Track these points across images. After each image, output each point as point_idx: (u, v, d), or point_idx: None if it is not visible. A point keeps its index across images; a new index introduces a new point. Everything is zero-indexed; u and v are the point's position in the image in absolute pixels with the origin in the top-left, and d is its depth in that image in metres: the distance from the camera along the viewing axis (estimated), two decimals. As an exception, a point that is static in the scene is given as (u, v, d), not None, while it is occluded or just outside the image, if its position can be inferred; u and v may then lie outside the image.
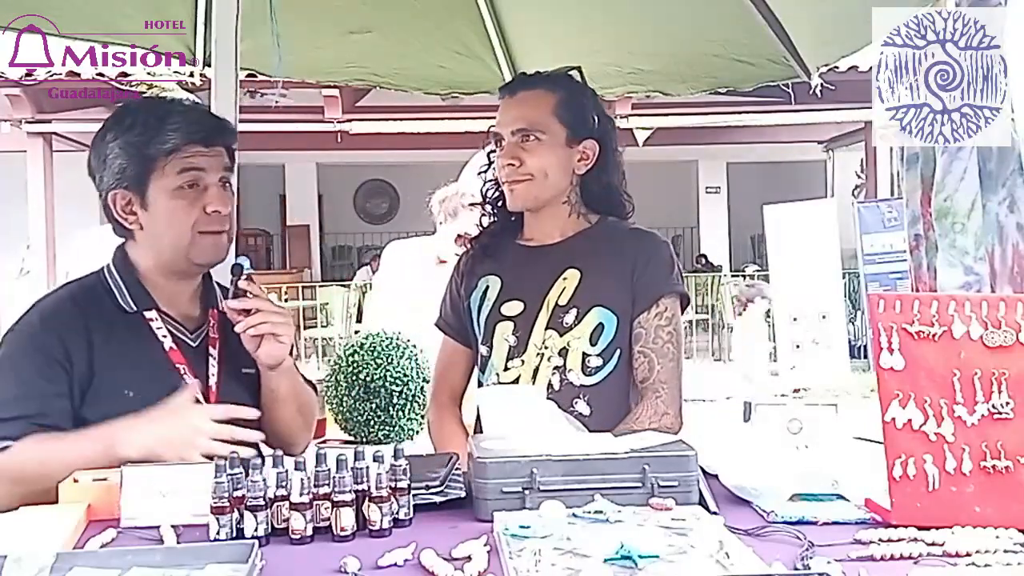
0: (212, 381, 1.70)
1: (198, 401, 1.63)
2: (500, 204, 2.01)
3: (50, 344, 1.61)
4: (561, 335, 1.87)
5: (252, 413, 1.64)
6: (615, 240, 1.94)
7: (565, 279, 1.89)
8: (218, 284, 1.81)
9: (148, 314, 1.69)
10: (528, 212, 1.94)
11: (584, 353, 1.86)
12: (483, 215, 2.06)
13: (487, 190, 2.03)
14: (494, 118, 1.95)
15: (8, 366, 1.63)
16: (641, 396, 1.87)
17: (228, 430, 1.57)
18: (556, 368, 1.86)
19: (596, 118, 1.93)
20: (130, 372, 1.63)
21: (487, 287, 1.97)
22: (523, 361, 1.88)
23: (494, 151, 1.96)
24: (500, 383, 1.89)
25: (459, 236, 3.27)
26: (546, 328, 1.88)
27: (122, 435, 1.53)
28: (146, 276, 1.71)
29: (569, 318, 1.87)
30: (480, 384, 2.00)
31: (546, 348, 1.87)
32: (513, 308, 1.91)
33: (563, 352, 1.86)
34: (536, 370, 1.87)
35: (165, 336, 1.68)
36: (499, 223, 2.02)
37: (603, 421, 1.79)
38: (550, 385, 1.85)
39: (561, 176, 1.90)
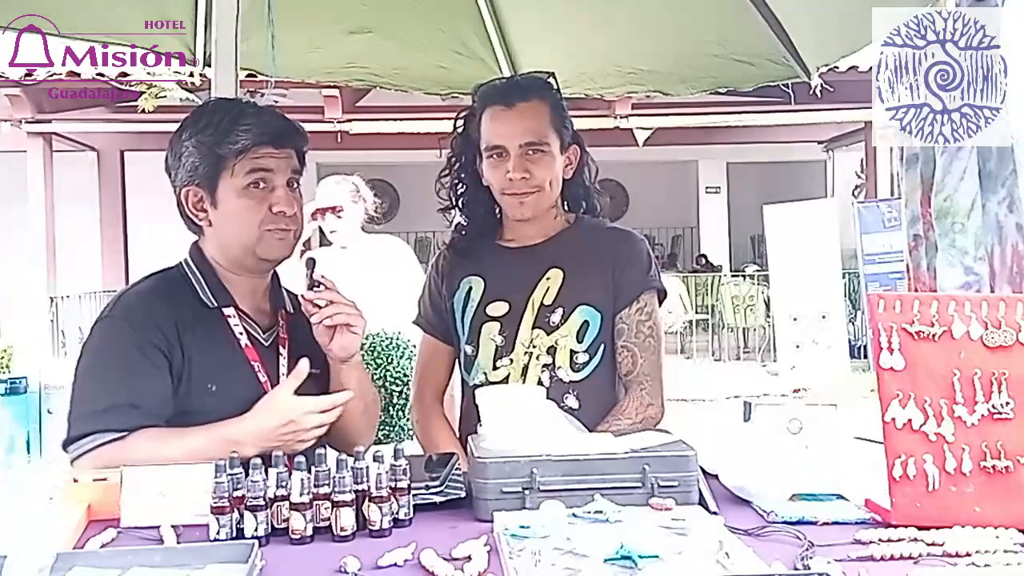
0: (283, 380, 1.70)
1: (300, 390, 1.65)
2: (476, 206, 2.01)
3: (150, 331, 1.62)
4: (548, 334, 1.91)
5: (351, 395, 1.66)
6: (595, 239, 1.98)
7: (549, 279, 1.93)
8: (286, 290, 1.85)
9: (227, 310, 1.70)
10: (523, 221, 1.95)
11: (572, 350, 1.90)
12: (456, 218, 2.07)
13: (453, 193, 2.03)
14: None
15: (111, 352, 1.63)
16: (626, 388, 1.93)
17: (331, 416, 1.61)
18: (545, 366, 1.90)
19: (571, 122, 1.97)
20: (213, 366, 1.65)
21: (470, 288, 1.99)
22: (512, 360, 1.92)
23: (457, 154, 1.99)
24: (488, 382, 1.92)
25: (317, 209, 3.47)
26: (533, 327, 1.91)
27: (239, 436, 1.54)
28: (221, 273, 1.73)
29: (555, 317, 1.91)
30: (464, 383, 2.02)
31: (534, 347, 1.91)
32: (498, 308, 1.94)
33: (551, 350, 1.90)
34: (525, 368, 1.91)
35: (242, 333, 1.70)
36: (475, 224, 2.03)
37: (591, 413, 1.85)
38: (540, 382, 1.89)
39: (558, 184, 1.94)
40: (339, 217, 3.48)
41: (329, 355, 1.73)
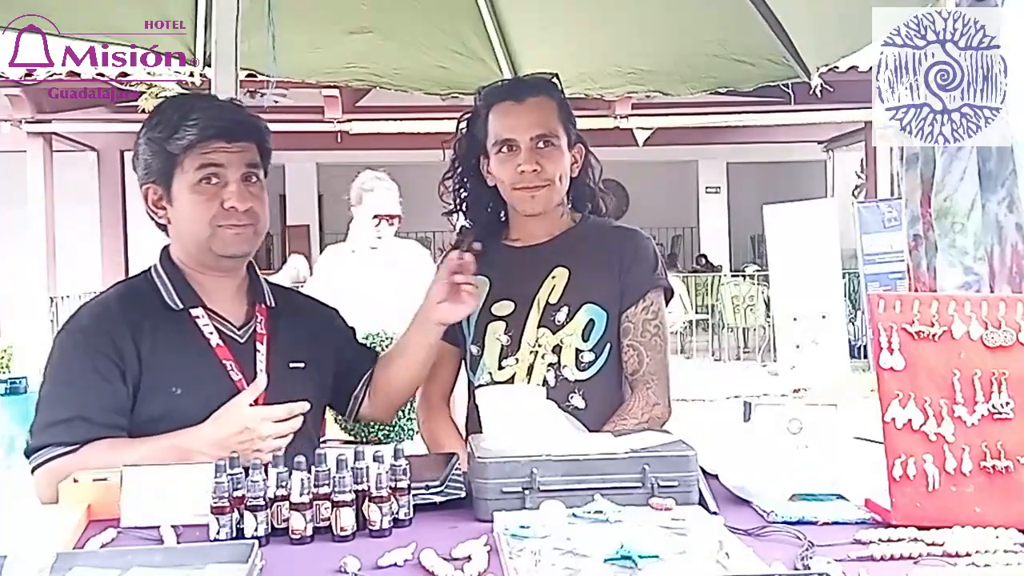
0: (259, 377, 1.69)
1: (257, 401, 1.64)
2: (480, 208, 2.02)
3: (101, 342, 1.63)
4: (554, 333, 1.90)
5: (306, 407, 1.64)
6: (601, 238, 1.98)
7: (554, 278, 1.93)
8: (267, 281, 1.83)
9: (194, 311, 1.70)
10: (533, 216, 1.95)
11: (577, 349, 1.89)
12: (460, 221, 2.08)
13: (456, 196, 2.04)
14: None
15: (63, 366, 1.65)
16: (632, 387, 1.93)
17: (288, 426, 1.59)
18: (551, 365, 1.89)
19: (575, 121, 1.99)
20: (177, 370, 1.64)
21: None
22: (517, 360, 1.91)
23: (460, 156, 2.00)
24: (494, 382, 1.91)
25: (376, 216, 3.75)
26: (538, 326, 1.91)
27: (191, 444, 1.54)
28: (189, 274, 1.73)
29: (561, 316, 1.90)
30: (470, 383, 2.01)
31: (540, 346, 1.90)
32: (504, 308, 1.94)
33: (557, 349, 1.90)
34: (531, 368, 1.90)
35: (212, 333, 1.69)
36: (480, 226, 2.02)
37: (598, 412, 1.85)
38: (545, 382, 1.88)
39: (567, 180, 1.94)
40: (392, 224, 3.77)
41: (431, 313, 1.79)
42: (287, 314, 1.81)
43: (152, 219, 1.73)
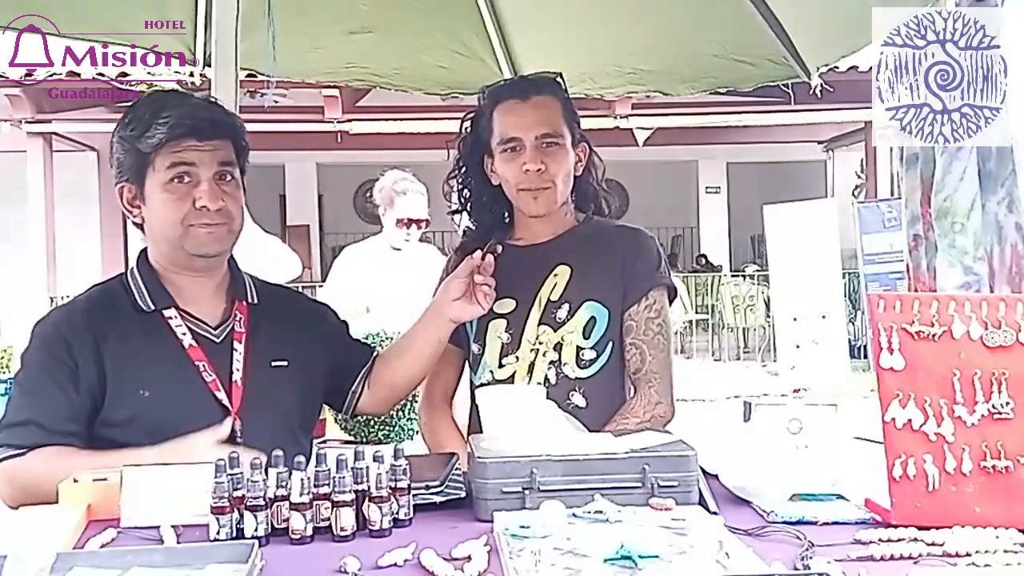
0: (237, 376, 1.68)
1: (232, 407, 1.63)
2: (484, 208, 2.02)
3: (60, 350, 1.62)
4: (555, 330, 1.90)
5: (263, 458, 1.62)
6: (603, 236, 1.98)
7: (556, 275, 1.93)
8: (247, 275, 1.81)
9: (167, 312, 1.68)
10: (537, 217, 1.94)
11: (578, 347, 1.89)
12: (464, 222, 2.08)
13: (460, 197, 2.04)
14: None
15: (24, 370, 1.65)
16: (634, 387, 1.93)
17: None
18: (552, 363, 1.89)
19: (579, 121, 1.99)
20: (146, 372, 1.63)
21: None
22: (518, 357, 1.91)
23: (464, 155, 1.99)
24: (495, 380, 1.91)
25: (398, 220, 3.81)
26: (539, 324, 1.91)
27: (137, 462, 1.52)
28: (163, 275, 1.72)
29: (562, 313, 1.90)
30: (471, 384, 2.01)
31: (540, 344, 1.90)
32: (505, 306, 1.94)
33: (558, 347, 1.90)
34: (531, 365, 1.90)
35: (185, 334, 1.67)
36: (484, 227, 2.03)
37: (599, 411, 1.85)
38: (546, 379, 1.88)
39: (570, 180, 1.94)
40: (420, 228, 3.85)
41: (444, 308, 1.79)
42: (271, 311, 1.78)
43: (129, 218, 1.72)
